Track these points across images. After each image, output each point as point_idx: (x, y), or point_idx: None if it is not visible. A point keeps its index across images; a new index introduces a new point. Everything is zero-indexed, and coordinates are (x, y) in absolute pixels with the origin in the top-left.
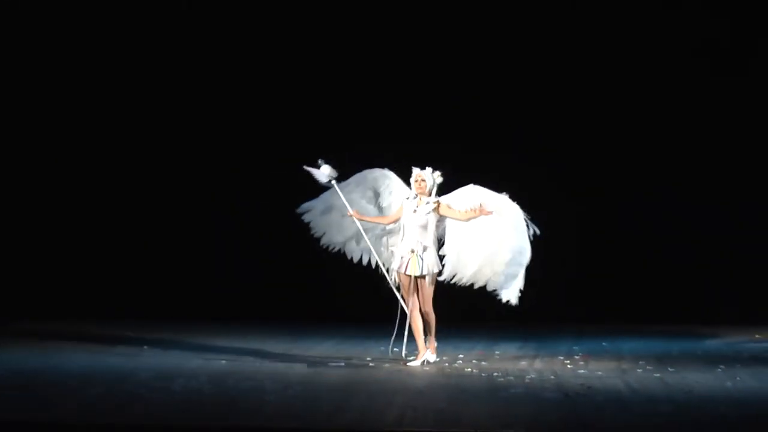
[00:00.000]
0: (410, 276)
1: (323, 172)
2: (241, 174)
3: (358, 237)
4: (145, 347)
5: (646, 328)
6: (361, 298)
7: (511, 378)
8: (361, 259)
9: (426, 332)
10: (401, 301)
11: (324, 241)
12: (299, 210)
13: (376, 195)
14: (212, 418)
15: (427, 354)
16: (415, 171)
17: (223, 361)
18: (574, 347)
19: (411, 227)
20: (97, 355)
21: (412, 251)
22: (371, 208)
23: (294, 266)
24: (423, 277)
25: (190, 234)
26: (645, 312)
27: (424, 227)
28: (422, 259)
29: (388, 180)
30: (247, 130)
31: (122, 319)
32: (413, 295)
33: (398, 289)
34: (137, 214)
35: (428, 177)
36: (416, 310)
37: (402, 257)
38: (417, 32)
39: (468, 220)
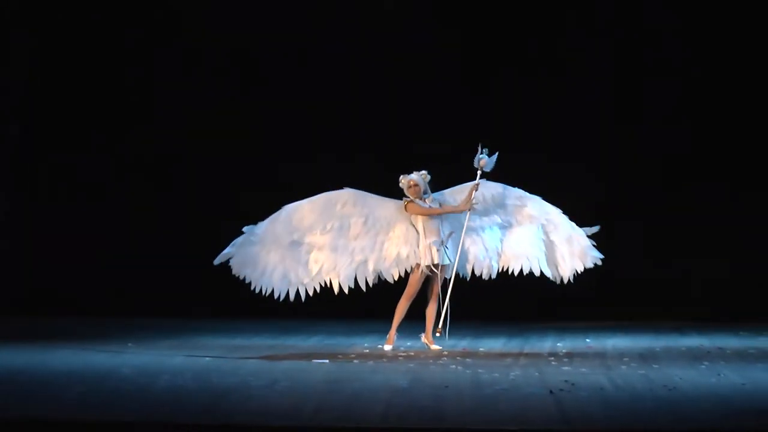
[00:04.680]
0: (438, 267)
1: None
2: (224, 171)
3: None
4: (130, 344)
5: (630, 324)
6: (346, 294)
7: (496, 375)
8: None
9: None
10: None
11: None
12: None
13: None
14: (197, 415)
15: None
16: (405, 178)
17: (208, 358)
18: (558, 344)
19: (434, 223)
20: (81, 352)
21: (441, 243)
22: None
23: None
24: (446, 266)
25: (174, 230)
26: (629, 309)
27: (441, 221)
28: (447, 249)
29: (355, 203)
30: (234, 125)
31: (106, 316)
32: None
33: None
34: (122, 209)
35: (420, 180)
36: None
37: (438, 250)
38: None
39: (462, 211)
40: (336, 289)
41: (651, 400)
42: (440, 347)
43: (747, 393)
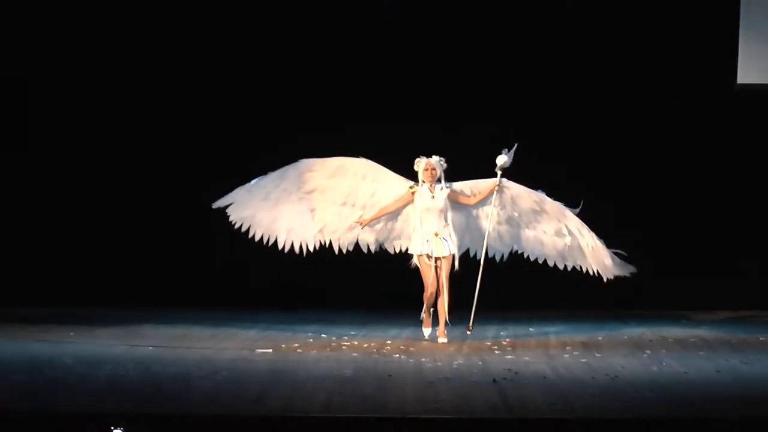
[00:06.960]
0: (432, 258)
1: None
2: (167, 164)
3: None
4: (71, 333)
5: (572, 313)
6: (288, 284)
7: (439, 363)
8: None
9: (437, 316)
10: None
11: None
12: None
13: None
14: (138, 405)
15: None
16: (424, 160)
17: (149, 348)
18: (501, 333)
19: (431, 212)
20: (20, 342)
21: (436, 234)
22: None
23: (218, 251)
24: (446, 257)
25: (116, 218)
26: (571, 297)
27: (443, 211)
28: (446, 241)
29: (365, 172)
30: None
31: (46, 305)
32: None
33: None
34: (62, 197)
35: (438, 165)
36: (434, 292)
37: (427, 241)
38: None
39: (474, 204)
40: (336, 250)
41: (593, 388)
42: (446, 340)
43: (689, 381)
